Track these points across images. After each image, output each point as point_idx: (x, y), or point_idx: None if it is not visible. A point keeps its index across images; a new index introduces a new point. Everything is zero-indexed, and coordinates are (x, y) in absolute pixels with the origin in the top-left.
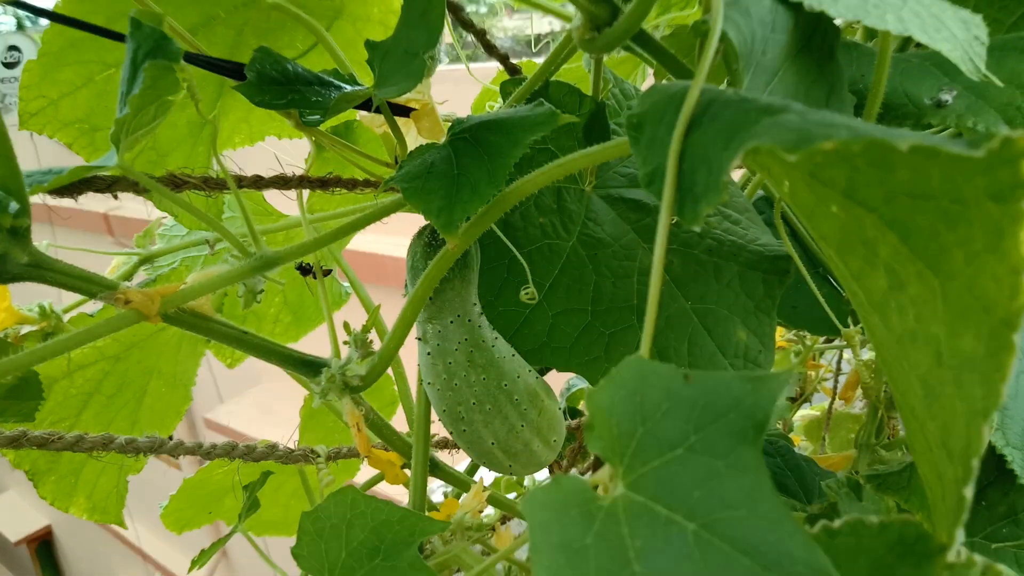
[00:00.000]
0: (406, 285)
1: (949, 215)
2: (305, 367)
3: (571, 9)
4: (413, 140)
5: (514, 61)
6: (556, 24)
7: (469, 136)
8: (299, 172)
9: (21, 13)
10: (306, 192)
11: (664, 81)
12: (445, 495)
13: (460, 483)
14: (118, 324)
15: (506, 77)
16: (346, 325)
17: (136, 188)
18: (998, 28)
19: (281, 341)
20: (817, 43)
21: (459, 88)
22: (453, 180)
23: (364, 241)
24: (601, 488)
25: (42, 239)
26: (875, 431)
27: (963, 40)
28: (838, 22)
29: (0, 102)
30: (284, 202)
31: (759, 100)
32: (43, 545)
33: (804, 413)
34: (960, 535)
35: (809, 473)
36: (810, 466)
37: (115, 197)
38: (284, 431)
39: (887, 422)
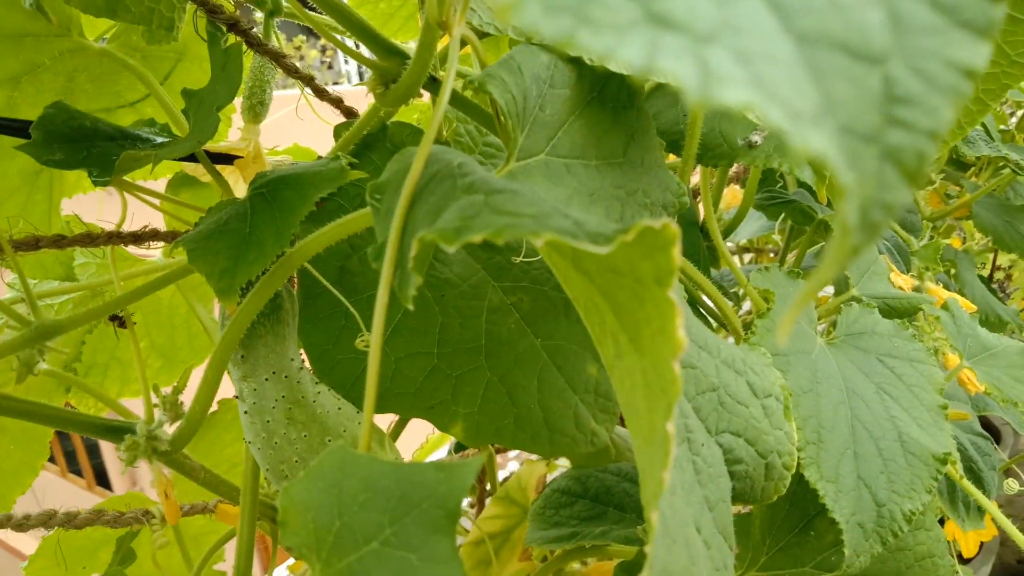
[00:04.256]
0: None
1: (636, 293)
2: (108, 433)
3: None
4: (242, 191)
5: None
6: None
7: (266, 191)
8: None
9: None
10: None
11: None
12: None
13: None
14: None
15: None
16: (156, 387)
17: None
18: None
19: None
20: (612, 92)
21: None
22: (244, 239)
23: None
24: None
25: None
26: None
27: None
28: None
29: None
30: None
31: (467, 177)
32: None
33: None
34: None
35: None
36: None
37: None
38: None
39: None
